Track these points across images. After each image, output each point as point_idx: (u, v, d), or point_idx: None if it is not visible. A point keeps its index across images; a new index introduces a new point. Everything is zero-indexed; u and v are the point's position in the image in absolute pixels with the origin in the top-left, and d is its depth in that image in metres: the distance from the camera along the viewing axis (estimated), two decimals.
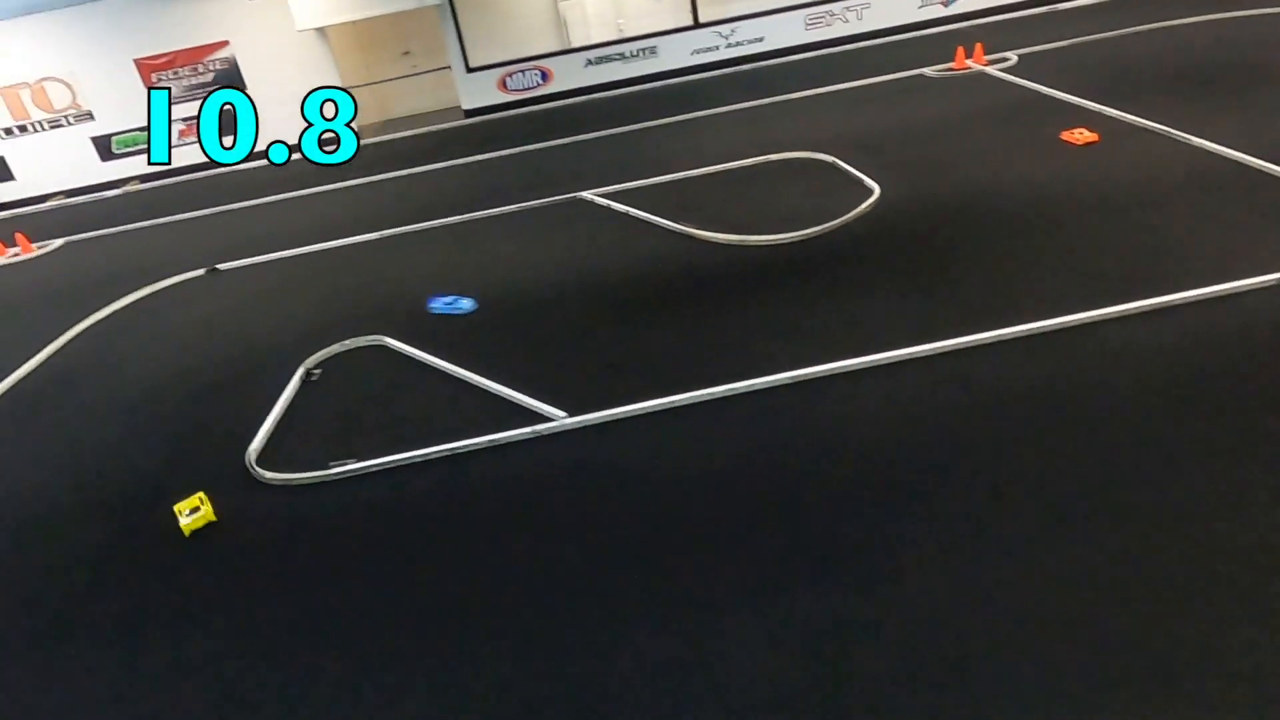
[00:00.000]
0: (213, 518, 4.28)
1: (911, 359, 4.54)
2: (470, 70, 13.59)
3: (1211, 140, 6.61)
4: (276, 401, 5.33)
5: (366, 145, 13.31)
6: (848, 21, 13.49)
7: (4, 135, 13.43)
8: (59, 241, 10.76)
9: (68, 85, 13.21)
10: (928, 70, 10.80)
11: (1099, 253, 5.31)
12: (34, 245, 10.64)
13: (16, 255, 10.44)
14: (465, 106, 13.88)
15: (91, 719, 3.24)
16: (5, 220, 12.83)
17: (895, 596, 3.06)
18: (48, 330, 7.41)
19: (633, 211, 7.66)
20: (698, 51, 13.60)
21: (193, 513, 4.27)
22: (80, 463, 5.18)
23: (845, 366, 4.56)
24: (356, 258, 7.98)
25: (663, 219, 7.28)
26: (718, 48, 13.59)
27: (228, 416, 5.36)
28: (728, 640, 3.01)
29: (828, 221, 6.52)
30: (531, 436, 4.49)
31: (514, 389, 4.94)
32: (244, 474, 4.66)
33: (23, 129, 13.44)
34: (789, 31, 13.47)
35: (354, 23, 13.15)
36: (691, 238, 6.82)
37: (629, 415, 4.51)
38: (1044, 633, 2.80)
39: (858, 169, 7.56)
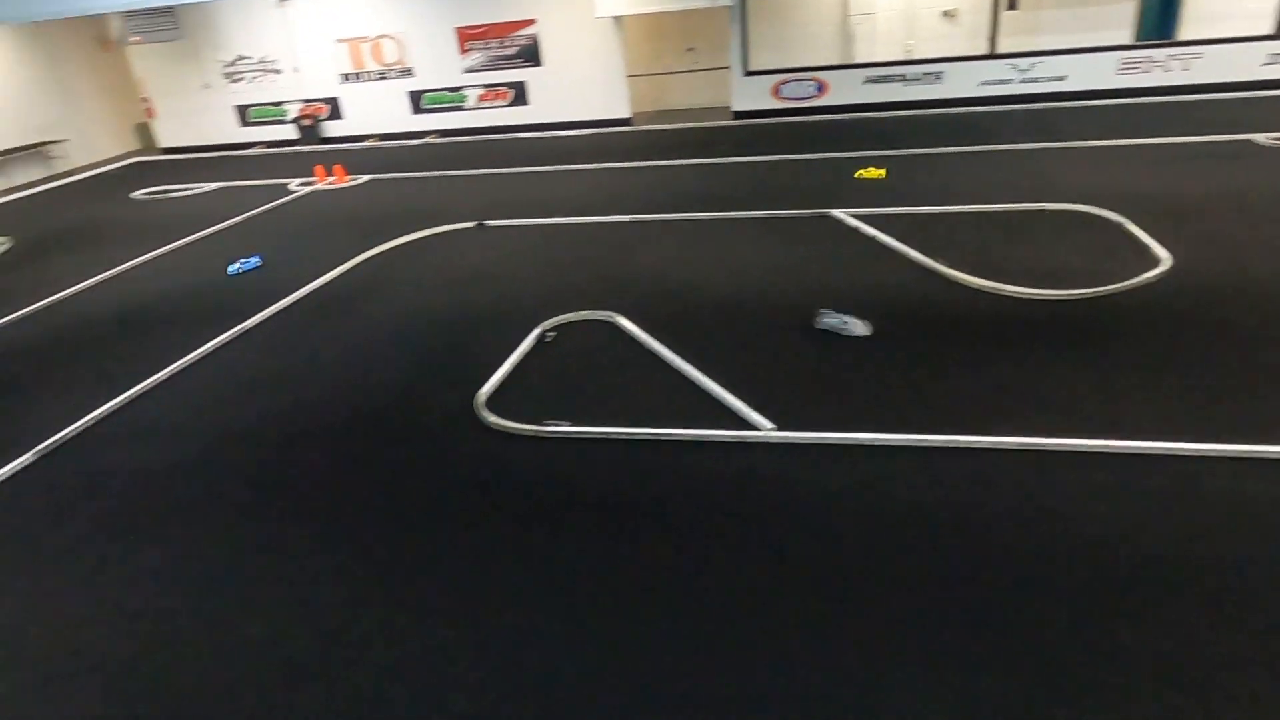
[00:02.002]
0: None
1: (1166, 455, 4.04)
2: (747, 73, 13.77)
3: None
4: (511, 354, 5.79)
5: (638, 132, 13.96)
6: (1171, 70, 12.11)
7: (342, 80, 15.54)
8: (366, 177, 12.32)
9: (399, 43, 15.02)
10: (1258, 137, 9.45)
11: None
12: (347, 177, 12.27)
13: (333, 182, 12.10)
14: (735, 108, 14.10)
15: (288, 594, 3.74)
16: (330, 152, 14.87)
17: (1100, 710, 2.77)
18: (342, 252, 8.54)
19: (881, 237, 7.43)
20: (987, 83, 12.84)
21: None
22: (340, 371, 5.95)
23: (1088, 446, 4.16)
24: (608, 236, 8.42)
25: (912, 250, 6.99)
26: (1011, 81, 12.74)
27: (467, 358, 5.90)
28: (889, 705, 2.88)
29: (1101, 285, 5.94)
30: (734, 441, 4.54)
31: (727, 390, 5.00)
32: (470, 413, 5.11)
33: (357, 76, 15.48)
34: (1098, 73, 12.33)
35: (648, 15, 13.78)
36: (939, 275, 6.50)
37: (837, 442, 4.42)
38: None
39: (1147, 233, 6.81)
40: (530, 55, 14.62)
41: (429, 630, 3.42)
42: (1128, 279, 6.00)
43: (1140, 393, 4.64)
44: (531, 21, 14.34)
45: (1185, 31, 12.19)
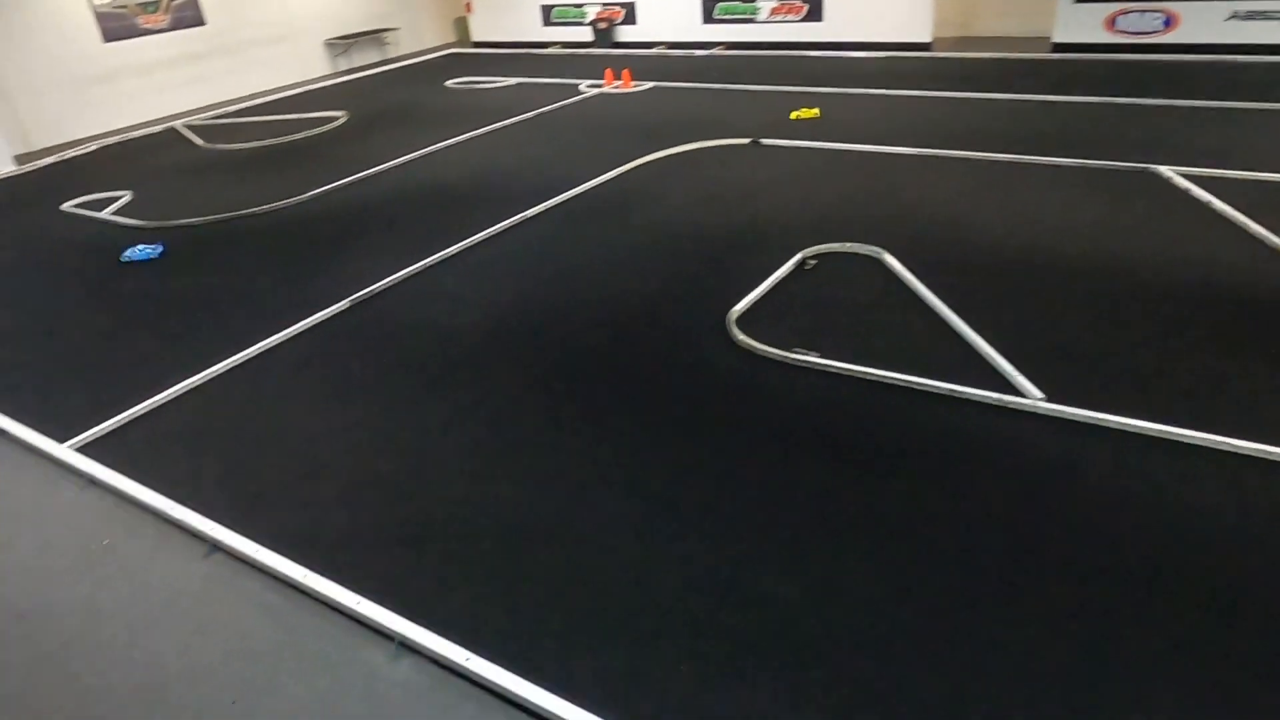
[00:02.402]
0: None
1: None
2: (1079, 0, 12.08)
3: None
4: (768, 277, 5.72)
5: (938, 58, 12.88)
6: None
7: None
8: (650, 84, 12.54)
9: None
10: None
11: None
12: (633, 82, 12.56)
13: (619, 87, 12.46)
14: (1056, 39, 12.48)
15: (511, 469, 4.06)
16: (620, 56, 15.27)
17: None
18: (618, 156, 8.82)
19: (1216, 204, 6.33)
20: None
21: None
22: (602, 271, 6.23)
23: None
24: (889, 168, 7.95)
25: (1260, 226, 5.89)
26: None
27: (724, 275, 5.92)
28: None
29: None
30: (995, 404, 4.19)
31: (994, 349, 4.61)
32: (721, 328, 5.16)
33: None
34: None
35: None
36: None
37: (1117, 426, 3.93)
38: None
39: None
40: None
41: (656, 524, 3.58)
42: None
43: None
44: None
45: None
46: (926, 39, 13.54)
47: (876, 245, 6.08)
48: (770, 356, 4.80)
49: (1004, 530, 3.40)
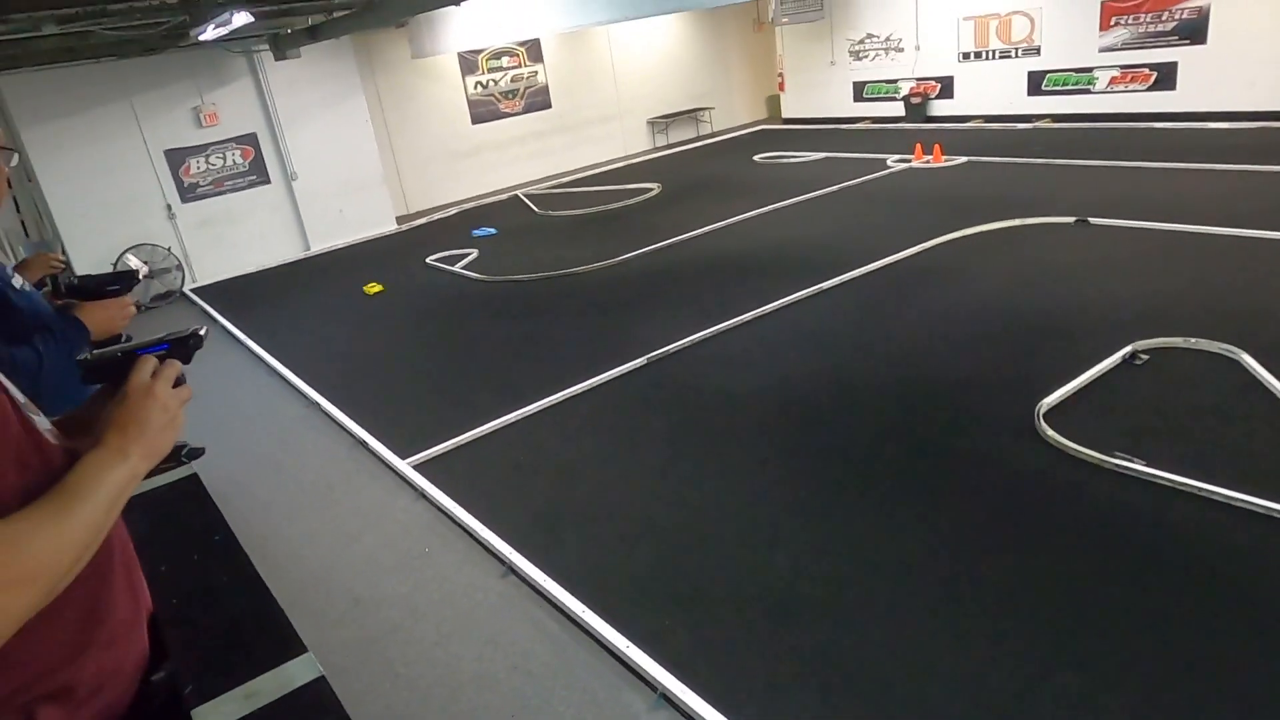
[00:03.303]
0: None
1: None
2: None
3: None
4: (1089, 369, 5.15)
5: None
6: None
7: (960, 58, 15.29)
8: (964, 158, 12.04)
9: (1030, 19, 14.11)
10: None
11: None
12: (944, 157, 12.16)
13: (929, 161, 12.13)
14: None
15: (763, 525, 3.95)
16: (932, 131, 14.89)
17: None
18: (923, 231, 8.54)
19: None
20: None
21: None
22: (900, 347, 6.01)
23: None
24: (1245, 253, 6.83)
25: None
26: None
27: (1036, 362, 5.44)
28: None
29: None
30: None
31: None
32: (1028, 420, 4.72)
33: (977, 55, 15.06)
34: None
35: None
36: None
37: None
38: None
39: None
40: (1192, 30, 12.38)
41: (930, 617, 3.34)
42: None
43: None
44: None
45: None
46: None
47: (1231, 343, 5.22)
48: (1083, 457, 4.29)
49: None
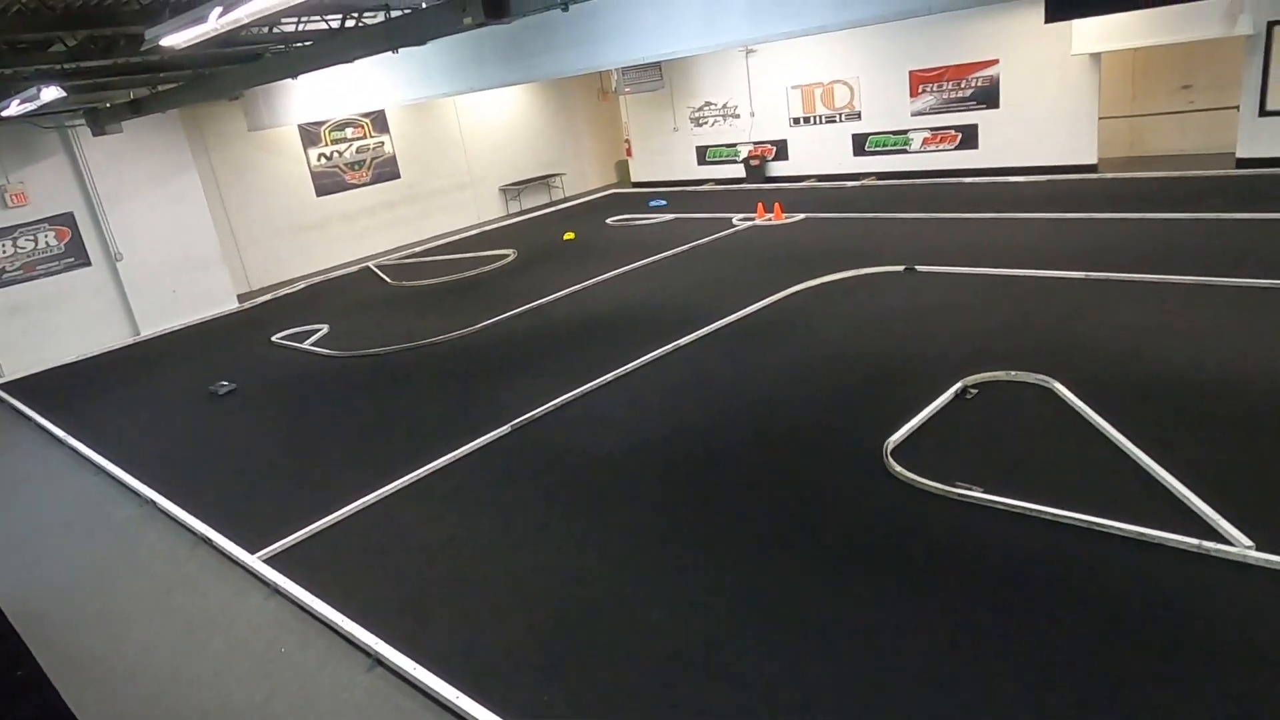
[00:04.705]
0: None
1: None
2: (1264, 113, 11.39)
3: None
4: (926, 406, 5.53)
5: (1104, 179, 12.44)
6: None
7: (792, 123, 16.41)
8: (802, 215, 12.83)
9: (850, 88, 15.39)
10: None
11: None
12: (784, 215, 12.91)
13: (770, 219, 12.83)
14: (1241, 154, 11.74)
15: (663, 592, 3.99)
16: (772, 190, 15.79)
17: None
18: (770, 285, 8.98)
19: None
20: None
21: None
22: (755, 396, 6.24)
23: None
24: (1054, 292, 7.61)
25: None
26: None
27: (879, 403, 5.79)
28: None
29: None
30: (1193, 551, 3.76)
31: (1189, 488, 4.18)
32: (876, 459, 5.00)
33: (806, 120, 16.21)
34: None
35: (1134, 49, 12.18)
36: None
37: None
38: None
39: None
40: (986, 97, 13.89)
41: (803, 660, 3.42)
42: None
43: None
44: (993, 62, 13.61)
45: None
46: (1092, 160, 13.13)
47: (1045, 373, 5.76)
48: (929, 490, 4.58)
49: (1206, 694, 2.98)
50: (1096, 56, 12.56)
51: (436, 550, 4.79)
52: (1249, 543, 3.72)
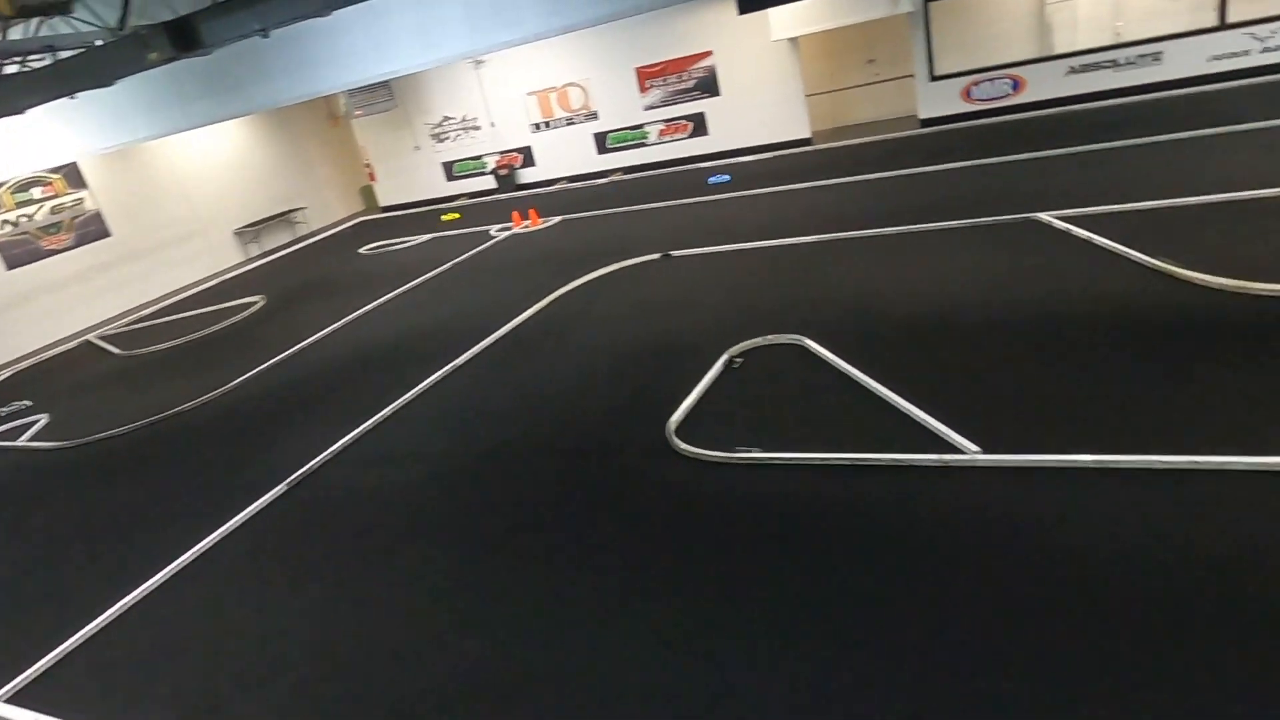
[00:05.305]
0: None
1: None
2: (934, 78, 13.16)
3: None
4: (699, 382, 5.84)
5: (820, 150, 13.75)
6: None
7: (534, 129, 16.57)
8: (558, 218, 13.01)
9: (583, 89, 15.81)
10: None
11: None
12: (540, 220, 13.02)
13: (528, 226, 12.89)
14: (922, 115, 13.50)
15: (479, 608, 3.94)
16: (525, 198, 15.85)
17: None
18: (538, 290, 9.04)
19: (1097, 239, 6.78)
20: (1218, 57, 11.41)
21: None
22: (539, 403, 6.26)
23: None
24: (794, 258, 8.32)
25: (1135, 251, 6.32)
26: (1249, 53, 11.25)
27: (657, 387, 6.02)
28: None
29: None
30: (936, 465, 4.28)
31: (927, 412, 4.75)
32: (662, 440, 5.20)
33: (547, 125, 16.44)
34: None
35: (824, 32, 13.58)
36: (1170, 277, 5.82)
37: (1055, 465, 4.05)
38: None
39: None
40: (708, 86, 14.85)
41: (631, 655, 3.49)
42: None
43: None
44: (708, 54, 14.58)
45: None
46: (807, 134, 14.48)
47: (797, 333, 6.28)
48: (714, 460, 4.84)
49: (960, 583, 3.41)
50: (794, 41, 13.83)
51: (224, 637, 4.33)
52: (976, 448, 4.30)
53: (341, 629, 4.14)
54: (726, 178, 11.05)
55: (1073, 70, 12.29)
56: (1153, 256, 6.14)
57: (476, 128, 17.08)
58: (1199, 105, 10.51)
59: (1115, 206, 7.45)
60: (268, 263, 15.65)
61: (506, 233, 12.86)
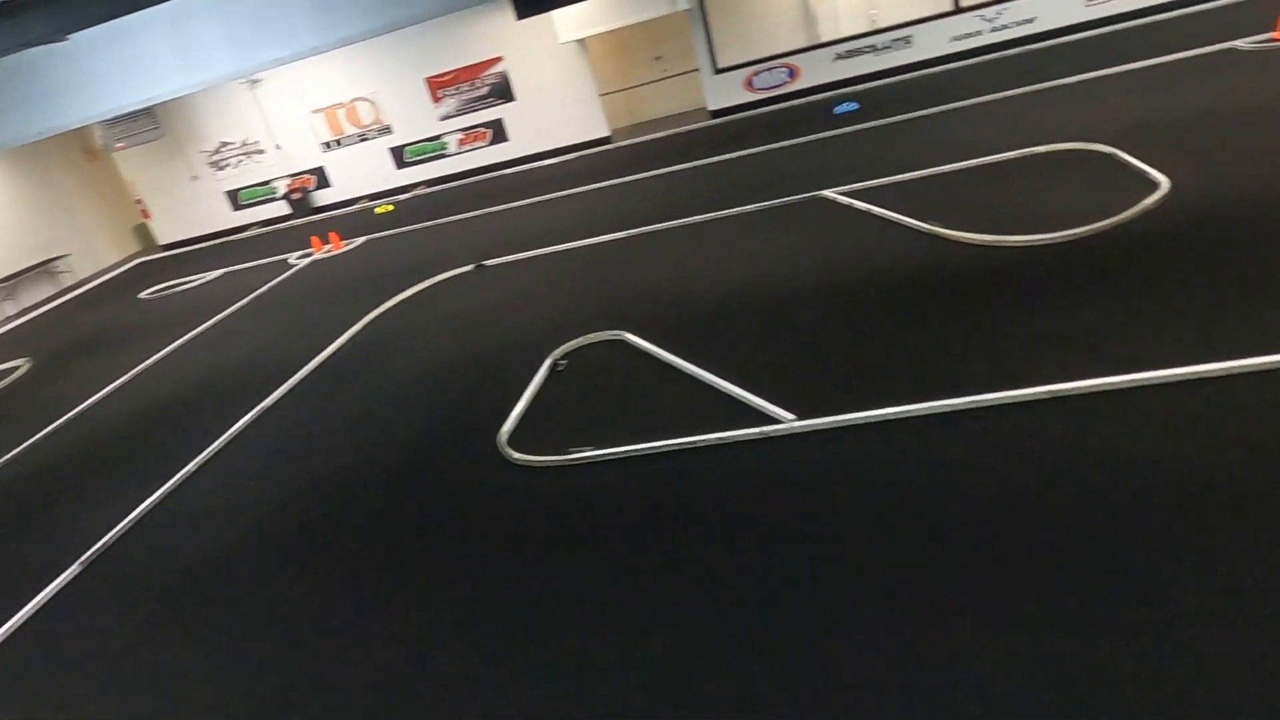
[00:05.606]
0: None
1: (1196, 379, 3.96)
2: (718, 71, 13.80)
3: None
4: (526, 388, 5.80)
5: (619, 148, 14.03)
6: None
7: (325, 148, 15.76)
8: (362, 239, 12.46)
9: (373, 103, 15.22)
10: (1240, 43, 9.31)
11: None
12: (343, 242, 12.42)
13: (330, 250, 12.25)
14: (711, 107, 14.12)
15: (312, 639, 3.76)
16: (324, 221, 15.07)
17: (1167, 648, 2.71)
18: (349, 315, 8.62)
19: (876, 210, 7.38)
20: (958, 38, 12.76)
21: None
22: (365, 431, 5.99)
23: (1111, 384, 4.09)
24: (606, 256, 8.44)
25: (909, 218, 6.94)
26: (981, 33, 12.66)
27: (485, 399, 5.92)
28: (954, 668, 2.84)
29: (1101, 220, 5.86)
30: (759, 437, 4.51)
31: (746, 389, 4.98)
32: (495, 452, 5.12)
33: (338, 143, 15.69)
34: (1066, 9, 12.22)
35: (610, 32, 13.87)
36: (940, 238, 6.45)
37: (863, 422, 4.38)
38: None
39: (1141, 161, 6.71)
40: (502, 92, 14.75)
41: (489, 679, 3.42)
42: (1128, 209, 5.92)
43: (1159, 321, 4.55)
44: (498, 59, 14.48)
45: None
46: (606, 133, 14.74)
47: (617, 328, 6.39)
48: (549, 465, 4.83)
49: (801, 542, 3.62)
50: (582, 42, 14.03)
51: None
52: (793, 416, 4.57)
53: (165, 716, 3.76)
54: (854, 105, 11.20)
55: (839, 56, 13.30)
56: (924, 221, 6.77)
57: (261, 151, 16.03)
58: (944, 82, 11.69)
59: (887, 179, 8.15)
60: (28, 321, 13.91)
61: (308, 259, 12.16)
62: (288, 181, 16.14)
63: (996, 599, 3.08)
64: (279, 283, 11.23)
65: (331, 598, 4.25)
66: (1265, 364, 3.92)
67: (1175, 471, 3.45)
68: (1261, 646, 2.63)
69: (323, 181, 16.10)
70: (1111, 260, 5.38)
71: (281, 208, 16.36)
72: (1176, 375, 4.02)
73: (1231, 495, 3.25)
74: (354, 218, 14.61)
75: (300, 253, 12.63)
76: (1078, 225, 5.87)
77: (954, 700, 2.74)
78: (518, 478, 4.83)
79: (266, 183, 16.30)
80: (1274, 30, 9.20)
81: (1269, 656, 2.59)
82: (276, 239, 14.72)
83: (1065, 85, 9.74)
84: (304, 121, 15.53)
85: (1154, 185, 6.23)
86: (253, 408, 6.88)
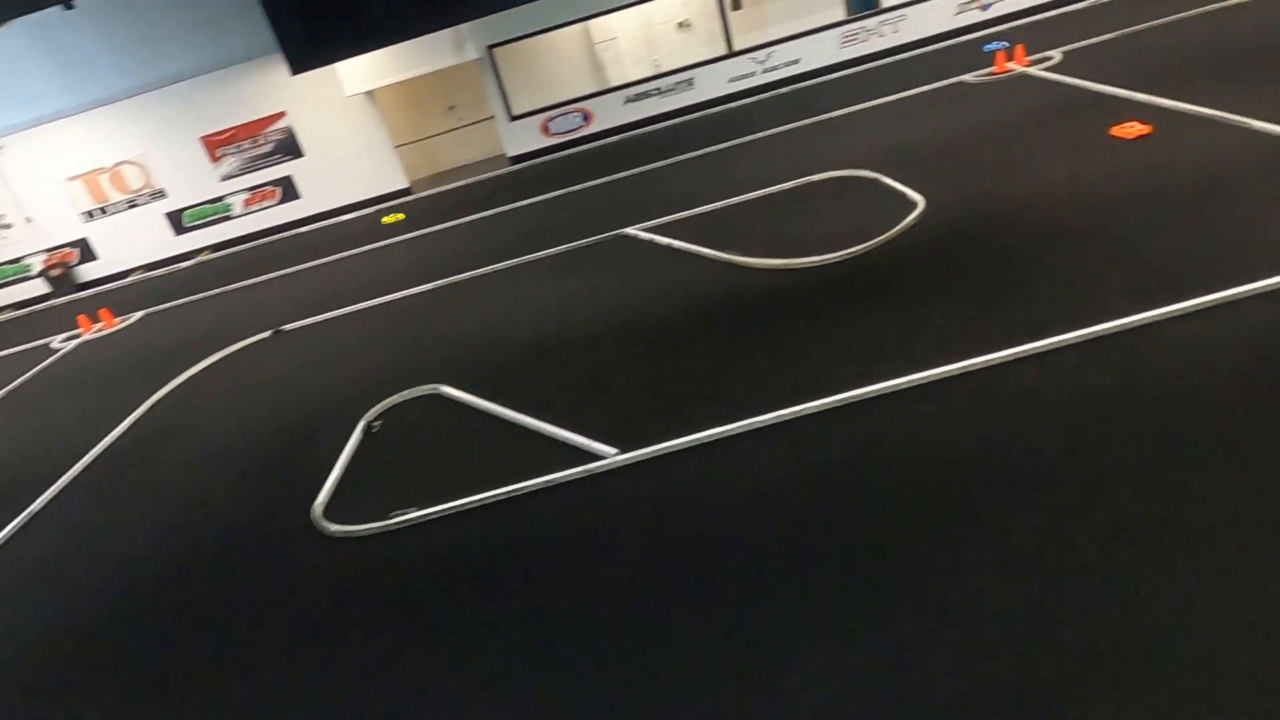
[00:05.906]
0: None
1: (969, 372, 4.43)
2: (513, 118, 13.94)
3: (1270, 122, 6.34)
4: (340, 456, 5.49)
5: (420, 199, 13.76)
6: (884, 36, 13.41)
7: (87, 218, 14.28)
8: (139, 314, 11.36)
9: (141, 166, 14.01)
10: (968, 77, 10.65)
11: (1159, 249, 5.12)
12: (117, 319, 11.25)
13: (101, 329, 11.06)
14: (510, 154, 14.21)
15: None
16: (92, 297, 13.60)
17: (965, 626, 2.97)
18: (132, 398, 7.80)
19: (676, 244, 7.71)
20: (734, 79, 13.69)
21: None
22: (160, 521, 5.41)
23: (901, 384, 4.48)
24: (412, 309, 8.21)
25: (707, 249, 7.30)
26: (754, 74, 13.66)
27: (295, 472, 5.54)
28: (793, 676, 2.96)
29: (873, 238, 6.45)
30: (583, 475, 4.52)
31: (565, 429, 4.99)
32: (310, 527, 4.80)
33: (103, 211, 14.27)
34: (824, 51, 13.46)
35: (400, 83, 13.65)
36: (737, 265, 6.83)
37: (681, 448, 4.51)
38: (1117, 661, 2.67)
39: (900, 183, 7.47)
40: (289, 148, 14.07)
41: None
42: (894, 227, 6.56)
43: (931, 324, 5.06)
44: (282, 114, 13.81)
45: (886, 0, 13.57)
46: (405, 184, 14.42)
47: (432, 382, 6.21)
48: (369, 533, 4.58)
49: (635, 572, 3.66)
50: (371, 94, 13.70)
51: None
52: (614, 450, 4.63)
53: None
54: (1005, 44, 10.92)
55: (629, 100, 13.85)
56: (721, 250, 7.14)
57: (7, 226, 14.26)
58: (726, 120, 12.49)
59: (683, 214, 8.55)
60: None
61: (74, 341, 10.90)
62: (44, 257, 14.46)
63: (819, 597, 3.25)
64: (38, 372, 9.97)
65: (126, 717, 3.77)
66: (1023, 352, 4.45)
67: (965, 454, 3.83)
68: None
69: (87, 254, 14.55)
70: (887, 273, 5.92)
71: (39, 286, 14.60)
72: (952, 370, 4.47)
73: (1002, 473, 3.64)
74: (129, 290, 13.31)
75: (65, 335, 11.30)
76: (855, 244, 6.42)
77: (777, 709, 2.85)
78: (335, 551, 4.54)
79: (18, 260, 14.51)
80: (993, 65, 10.61)
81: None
82: (34, 321, 13.11)
83: (830, 119, 10.69)
84: (59, 190, 13.99)
85: (913, 204, 6.94)
86: (14, 517, 6.02)
